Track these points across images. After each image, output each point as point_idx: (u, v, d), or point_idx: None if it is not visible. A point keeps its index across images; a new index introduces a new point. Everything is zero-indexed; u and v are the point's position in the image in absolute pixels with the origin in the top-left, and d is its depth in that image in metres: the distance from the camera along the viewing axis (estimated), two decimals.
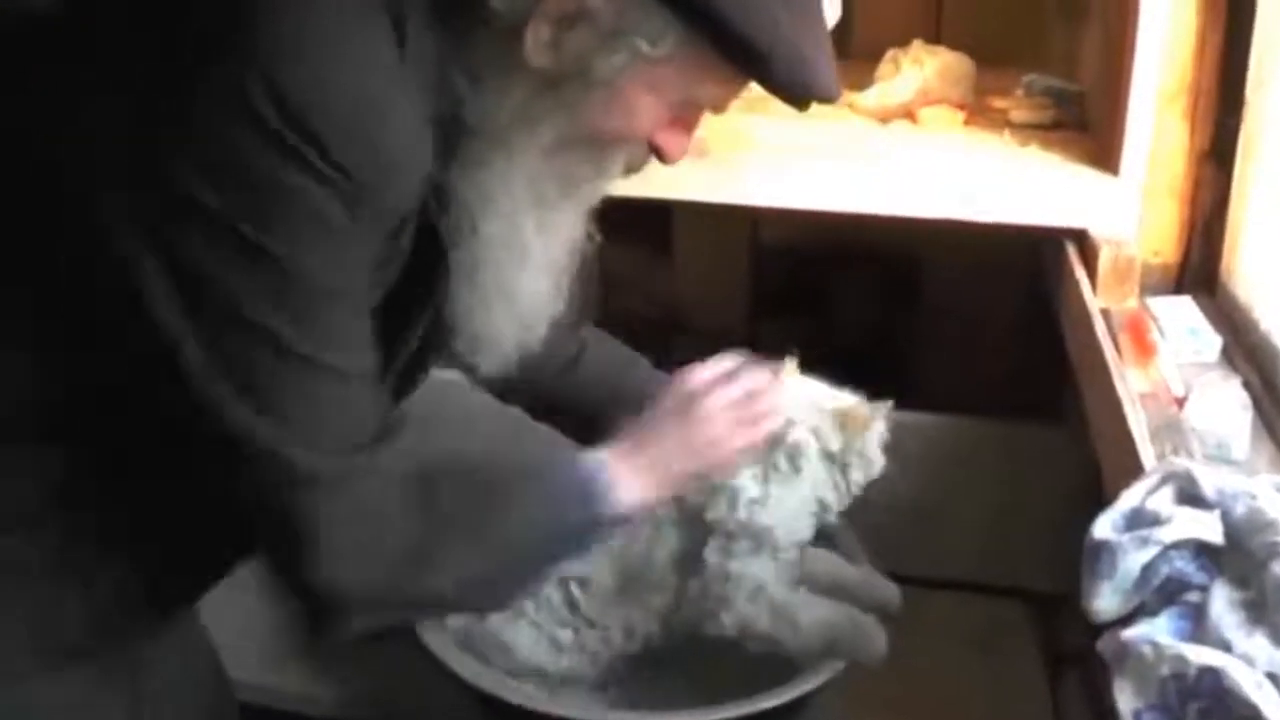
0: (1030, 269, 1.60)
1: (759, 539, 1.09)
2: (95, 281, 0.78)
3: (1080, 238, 1.33)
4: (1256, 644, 0.72)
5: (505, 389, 1.13)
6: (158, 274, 0.75)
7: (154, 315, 0.76)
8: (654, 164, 0.91)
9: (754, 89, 0.85)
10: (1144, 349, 1.13)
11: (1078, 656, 1.32)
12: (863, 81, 1.58)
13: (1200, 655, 0.71)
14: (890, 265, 1.98)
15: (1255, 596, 0.75)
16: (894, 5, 1.94)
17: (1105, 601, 0.81)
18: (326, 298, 0.77)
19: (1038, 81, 1.59)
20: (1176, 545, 0.79)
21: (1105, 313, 1.22)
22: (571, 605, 1.13)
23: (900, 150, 1.44)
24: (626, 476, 0.96)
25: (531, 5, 0.78)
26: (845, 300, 2.00)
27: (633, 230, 1.74)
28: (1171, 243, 1.33)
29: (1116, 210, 1.30)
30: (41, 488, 0.84)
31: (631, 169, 0.91)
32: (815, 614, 1.10)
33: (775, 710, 1.06)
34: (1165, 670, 0.72)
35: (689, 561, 1.12)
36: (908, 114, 1.54)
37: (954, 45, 1.61)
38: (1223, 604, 0.75)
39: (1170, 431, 0.99)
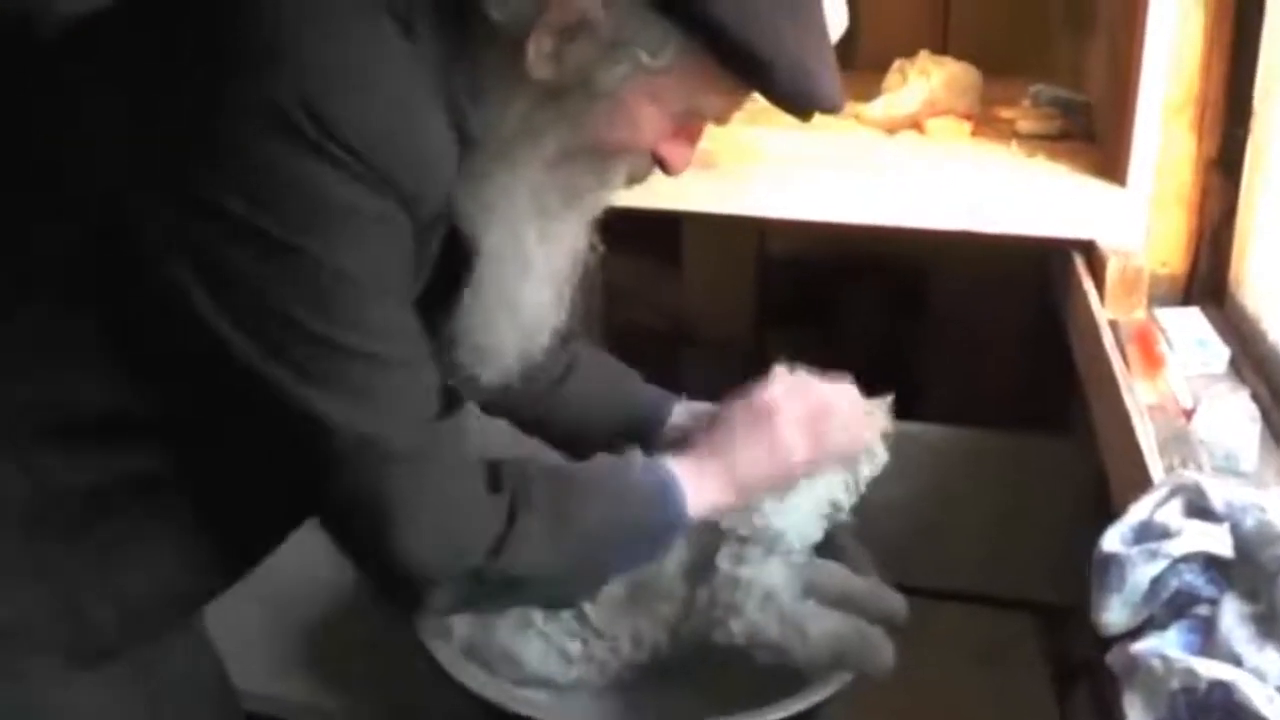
0: (1038, 280, 1.60)
1: (772, 544, 1.09)
2: (136, 291, 0.79)
3: (1088, 249, 1.32)
4: (1268, 658, 0.72)
5: (493, 402, 1.14)
6: (204, 290, 0.77)
7: (206, 329, 0.77)
8: (661, 175, 0.92)
9: (758, 100, 0.85)
10: (1152, 360, 1.13)
11: (1086, 669, 1.31)
12: (869, 92, 1.58)
13: (1211, 669, 0.71)
14: (897, 276, 1.98)
15: (1265, 610, 0.75)
16: (900, 16, 1.95)
17: (1114, 614, 0.80)
18: (361, 290, 0.78)
19: (1045, 92, 1.59)
20: (1186, 558, 0.79)
21: (1113, 324, 1.21)
22: (580, 616, 1.13)
23: (907, 161, 1.44)
24: (698, 483, 0.98)
25: (533, 17, 0.79)
26: (852, 311, 2.00)
27: (641, 241, 1.75)
28: (1179, 253, 1.32)
29: (1124, 221, 1.30)
30: (80, 496, 0.85)
31: (635, 180, 0.91)
32: (824, 625, 1.10)
33: None
34: (1175, 684, 0.72)
35: (698, 570, 1.12)
36: (914, 125, 1.54)
37: (960, 56, 1.61)
38: (1233, 617, 0.75)
39: (1178, 443, 0.98)
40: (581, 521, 0.92)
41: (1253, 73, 1.21)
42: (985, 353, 1.87)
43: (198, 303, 0.77)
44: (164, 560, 0.89)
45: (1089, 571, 0.82)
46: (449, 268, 0.88)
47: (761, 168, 1.40)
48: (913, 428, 1.42)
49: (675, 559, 1.12)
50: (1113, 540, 0.82)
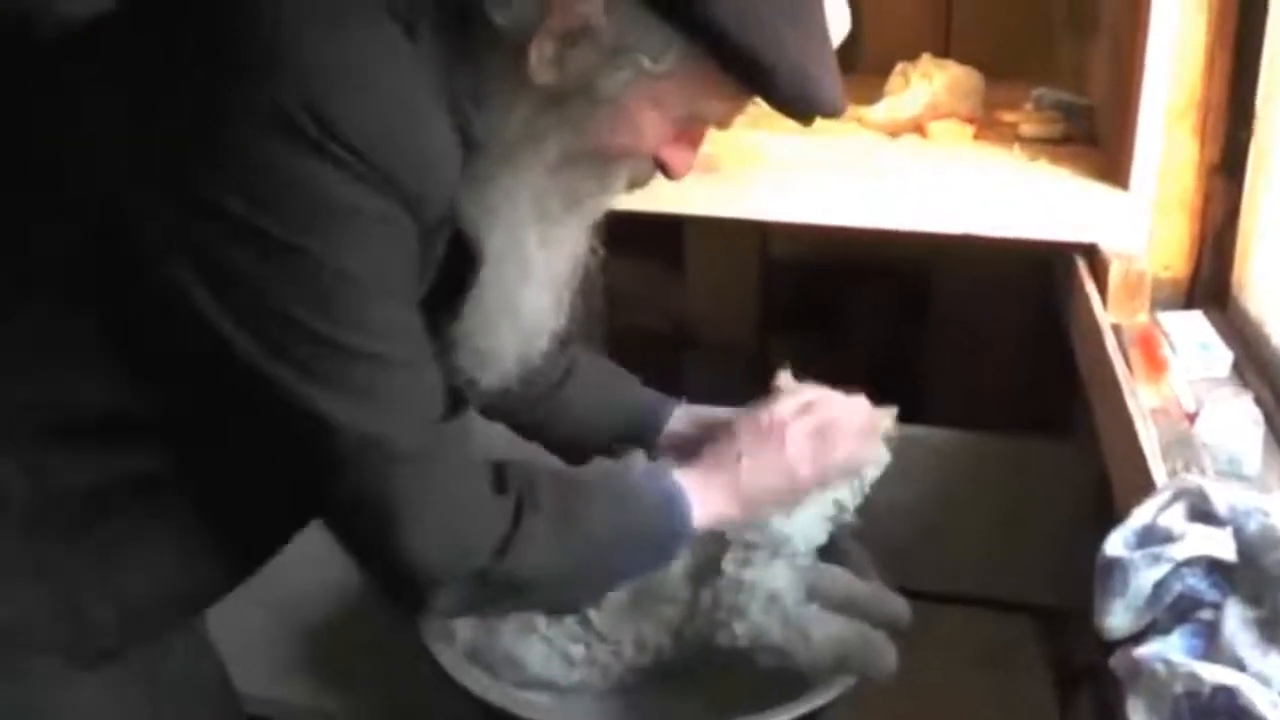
0: (1040, 283, 1.60)
1: (778, 548, 1.09)
2: (137, 291, 0.79)
3: (1090, 252, 1.32)
4: (1271, 663, 0.72)
5: (491, 406, 1.14)
6: (206, 289, 0.77)
7: (207, 328, 0.77)
8: (663, 179, 0.92)
9: (760, 104, 0.85)
10: (1155, 364, 1.13)
11: (1088, 673, 1.31)
12: (871, 95, 1.58)
13: (1214, 674, 0.71)
14: (900, 280, 1.97)
15: (1269, 615, 0.75)
16: (903, 19, 1.95)
17: (1117, 619, 0.80)
18: (364, 290, 0.78)
19: (1047, 95, 1.59)
20: (1189, 562, 0.79)
21: (1116, 328, 1.21)
22: (583, 620, 1.13)
23: (909, 164, 1.44)
24: (704, 495, 0.98)
25: (535, 22, 0.79)
26: (855, 315, 2.00)
27: (643, 245, 1.75)
28: (1182, 257, 1.32)
29: (1127, 224, 1.30)
30: (80, 496, 0.85)
31: (636, 184, 0.92)
32: (827, 629, 1.10)
33: None
34: (1179, 688, 0.72)
35: (702, 574, 1.12)
36: (917, 128, 1.54)
37: (963, 59, 1.61)
38: (1236, 622, 0.75)
39: (1181, 447, 0.98)
40: (588, 526, 0.91)
41: (1255, 76, 1.21)
42: (987, 356, 1.87)
43: (199, 302, 0.77)
44: (164, 561, 0.89)
45: (1091, 575, 0.82)
46: (454, 270, 0.88)
47: (764, 171, 1.40)
48: (915, 431, 1.42)
49: (679, 563, 1.12)
50: (1116, 544, 0.82)
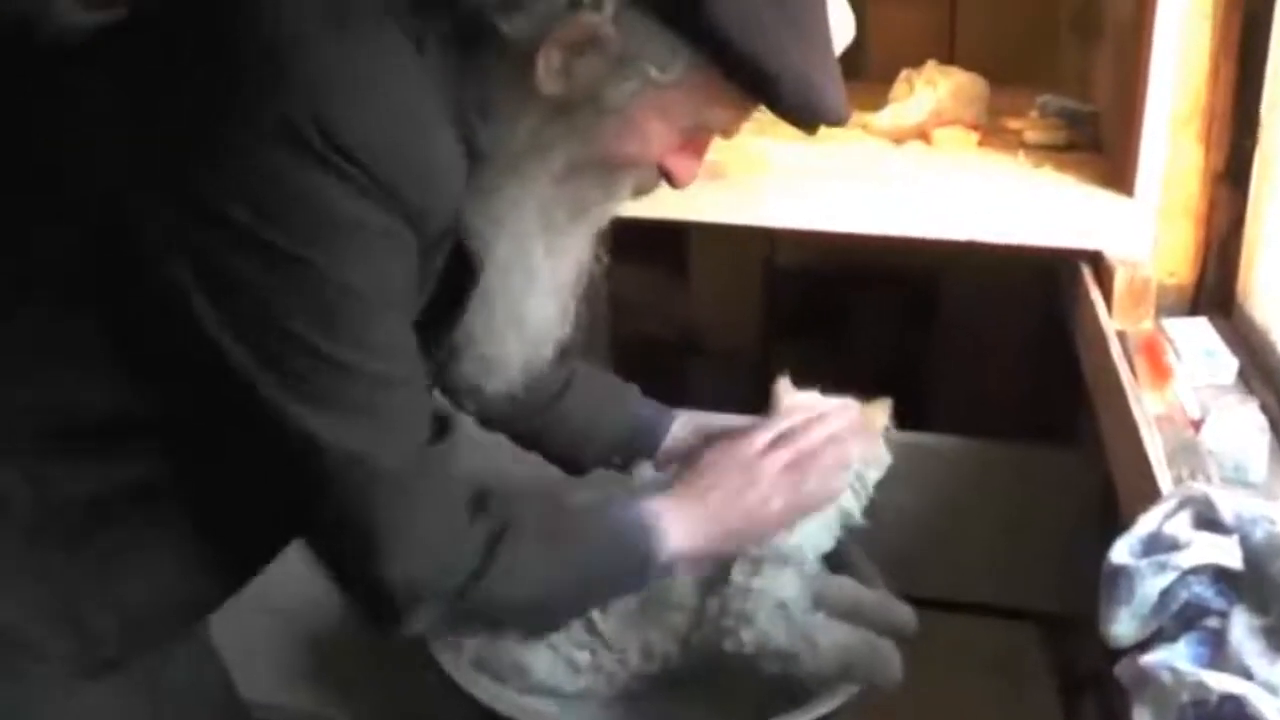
0: (1045, 290, 1.60)
1: (786, 558, 1.10)
2: (137, 292, 0.79)
3: (1095, 259, 1.32)
4: (1278, 672, 0.72)
5: (491, 417, 1.14)
6: (205, 295, 0.77)
7: (203, 333, 0.77)
8: (668, 187, 0.92)
9: (765, 111, 0.86)
10: (1160, 371, 1.13)
11: (1093, 680, 1.31)
12: (877, 102, 1.59)
13: (1221, 682, 0.71)
14: (905, 287, 1.98)
15: (1276, 623, 0.74)
16: (908, 26, 1.95)
17: (1123, 627, 0.80)
18: (366, 306, 0.79)
19: (1052, 102, 1.59)
20: (1195, 570, 0.79)
21: (1121, 334, 1.21)
22: (590, 626, 1.13)
23: (914, 171, 1.44)
24: (679, 528, 0.99)
25: (543, 33, 0.79)
26: (860, 321, 2.01)
27: (648, 251, 1.76)
28: (1187, 264, 1.32)
29: (1131, 231, 1.30)
30: (81, 505, 0.85)
31: (641, 193, 0.92)
32: (833, 636, 1.10)
33: None
34: (1185, 697, 0.71)
35: (710, 582, 1.12)
36: (922, 135, 1.54)
37: (968, 66, 1.62)
38: (1242, 630, 0.74)
39: (1187, 454, 0.98)
40: (563, 555, 0.94)
41: (1260, 84, 1.21)
42: (992, 363, 1.87)
43: (196, 307, 0.77)
44: (164, 569, 0.89)
45: (1096, 583, 0.82)
46: (452, 283, 0.88)
47: (769, 178, 1.40)
48: (920, 438, 1.42)
49: None
50: (1121, 552, 0.82)
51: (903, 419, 1.16)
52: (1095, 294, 1.28)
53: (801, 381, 1.15)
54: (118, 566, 0.87)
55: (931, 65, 1.60)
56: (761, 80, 0.81)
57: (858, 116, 1.50)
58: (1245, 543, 0.79)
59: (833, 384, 1.14)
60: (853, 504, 1.12)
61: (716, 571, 1.11)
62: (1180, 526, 0.82)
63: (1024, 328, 1.83)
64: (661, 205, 0.97)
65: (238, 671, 1.11)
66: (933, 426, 1.48)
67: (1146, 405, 1.06)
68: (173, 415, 0.84)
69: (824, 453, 1.06)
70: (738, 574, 1.10)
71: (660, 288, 2.05)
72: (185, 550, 0.89)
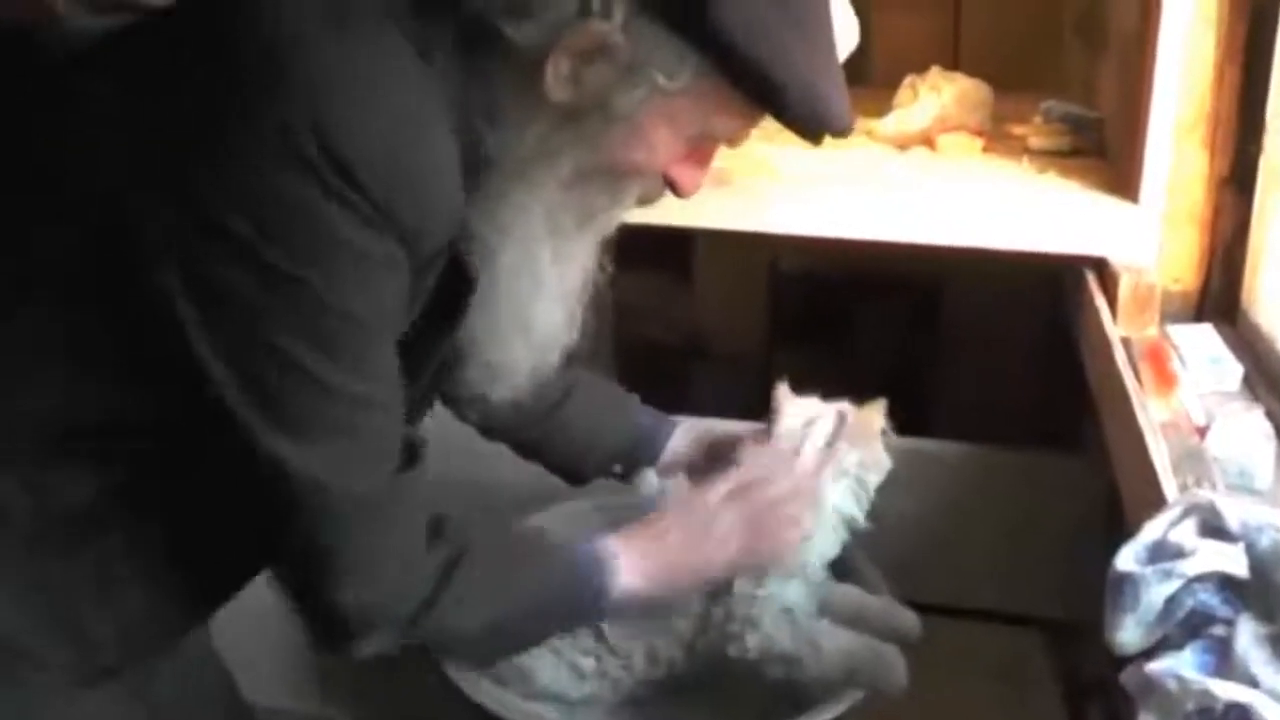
0: (1049, 296, 1.60)
1: (793, 570, 1.10)
2: (132, 293, 0.79)
3: (1100, 265, 1.32)
4: None
5: (491, 426, 1.14)
6: (192, 304, 0.76)
7: (187, 341, 0.77)
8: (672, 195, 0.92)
9: (770, 119, 0.86)
10: (1165, 378, 1.13)
11: (1098, 687, 1.30)
12: (881, 109, 1.59)
13: (1227, 690, 0.71)
14: (909, 293, 1.98)
15: None
16: (912, 32, 1.95)
17: (1128, 634, 0.80)
18: (361, 330, 0.78)
19: (1056, 108, 1.59)
20: (1200, 578, 0.78)
21: (1125, 341, 1.21)
22: (596, 632, 1.13)
23: (918, 177, 1.44)
24: (634, 566, 1.00)
25: (552, 40, 0.79)
26: (864, 327, 2.01)
27: (653, 257, 1.76)
28: (1192, 270, 1.32)
29: (1136, 238, 1.30)
30: (78, 513, 0.85)
31: (646, 201, 0.92)
32: (837, 642, 1.10)
33: None
34: (1191, 705, 0.71)
35: (716, 588, 1.12)
36: (926, 141, 1.54)
37: (972, 72, 1.62)
38: (1248, 638, 0.74)
39: (1192, 462, 0.98)
40: (516, 587, 0.95)
41: (1265, 89, 1.21)
42: (997, 369, 1.87)
43: (182, 312, 0.76)
44: (162, 576, 0.89)
45: (1101, 590, 0.82)
46: (442, 300, 0.87)
47: (773, 184, 1.40)
48: (925, 444, 1.42)
49: None
50: (1127, 559, 0.82)
51: (906, 425, 1.16)
52: (1100, 300, 1.28)
53: (806, 387, 1.15)
54: (115, 574, 0.86)
55: (936, 71, 1.60)
56: (768, 88, 0.81)
57: (862, 122, 1.51)
58: (1251, 550, 0.79)
59: (837, 390, 1.14)
60: (855, 508, 1.12)
61: (723, 579, 1.11)
62: (1186, 534, 0.82)
63: (1028, 334, 1.83)
64: (666, 211, 0.97)
65: (241, 675, 1.11)
66: (937, 432, 1.48)
67: (1151, 412, 1.06)
68: (169, 420, 0.83)
69: (782, 506, 1.07)
70: (742, 580, 1.10)
71: (665, 293, 2.05)
72: (183, 556, 0.89)
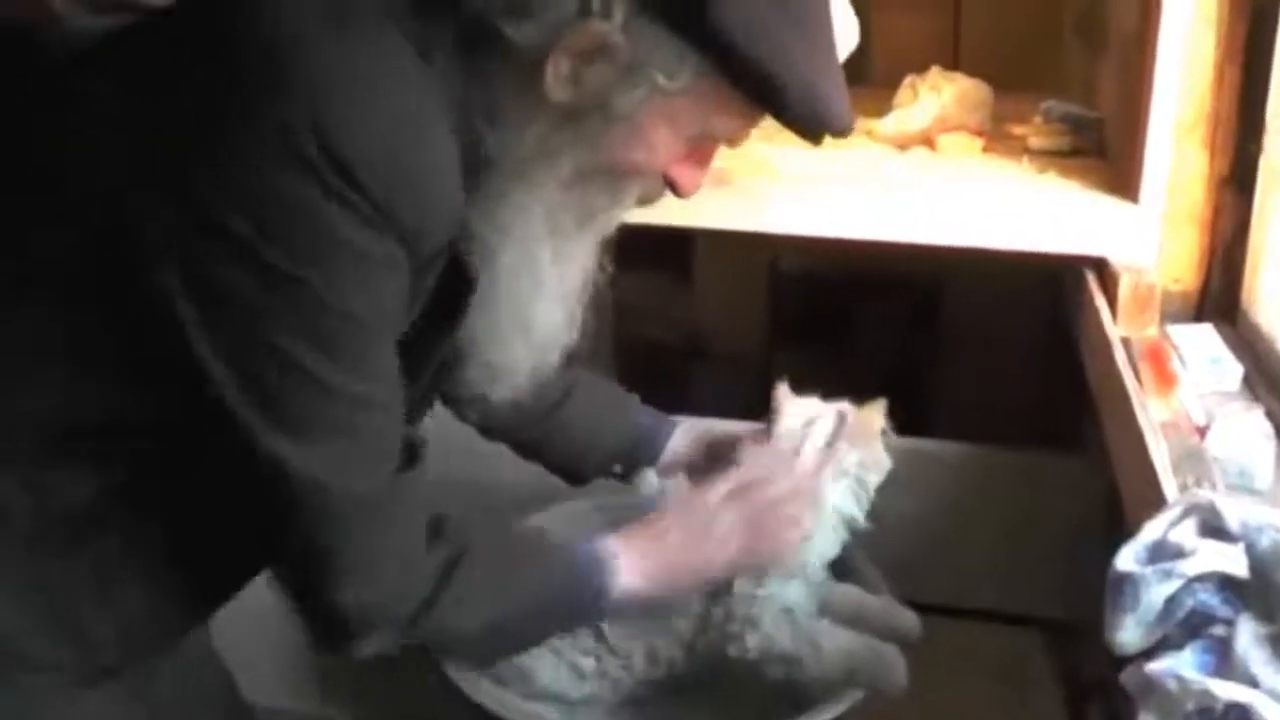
0: (1049, 296, 1.60)
1: (793, 571, 1.10)
2: (133, 293, 0.79)
3: (1100, 265, 1.32)
4: None
5: (491, 426, 1.14)
6: (192, 304, 0.76)
7: (187, 341, 0.77)
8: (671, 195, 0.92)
9: (770, 119, 0.86)
10: (1165, 378, 1.13)
11: (1098, 687, 1.30)
12: (881, 108, 1.59)
13: (1227, 691, 0.71)
14: (909, 293, 1.98)
15: None
16: (912, 32, 1.95)
17: (1128, 634, 0.80)
18: (361, 330, 0.78)
19: (1056, 108, 1.59)
20: (1200, 578, 0.79)
21: (1125, 341, 1.21)
22: (596, 632, 1.13)
23: (918, 177, 1.44)
24: (634, 566, 1.00)
25: (552, 40, 0.79)
26: (864, 327, 2.01)
27: (653, 257, 1.76)
28: (1191, 270, 1.32)
29: (1136, 238, 1.30)
30: (78, 513, 0.85)
31: (646, 201, 0.92)
32: (837, 642, 1.10)
33: None
34: (1191, 705, 0.71)
35: (716, 588, 1.12)
36: (926, 141, 1.54)
37: (972, 72, 1.62)
38: (1248, 639, 0.74)
39: (1192, 462, 0.98)
40: (515, 588, 0.95)
41: (1265, 89, 1.21)
42: (997, 369, 1.87)
43: (182, 312, 0.76)
44: (161, 576, 0.89)
45: (1101, 590, 0.82)
46: (442, 300, 0.88)
47: (773, 184, 1.40)
48: (925, 444, 1.42)
49: None
50: (1127, 559, 0.82)
51: (906, 425, 1.16)
52: (1100, 300, 1.28)
53: (806, 387, 1.15)
54: (115, 574, 0.87)
55: (936, 71, 1.60)
56: (768, 88, 0.81)
57: (862, 122, 1.51)
58: (1251, 550, 0.79)
59: (837, 390, 1.15)
60: (855, 508, 1.12)
61: (723, 580, 1.11)
62: (1186, 534, 0.82)
63: (1028, 334, 1.83)
64: (667, 211, 0.98)
65: (241, 675, 1.11)
66: (937, 432, 1.48)
67: (1151, 412, 1.06)
68: (169, 420, 0.83)
69: (782, 506, 1.07)
70: (742, 580, 1.10)
71: (665, 293, 2.05)
72: (183, 556, 0.89)
